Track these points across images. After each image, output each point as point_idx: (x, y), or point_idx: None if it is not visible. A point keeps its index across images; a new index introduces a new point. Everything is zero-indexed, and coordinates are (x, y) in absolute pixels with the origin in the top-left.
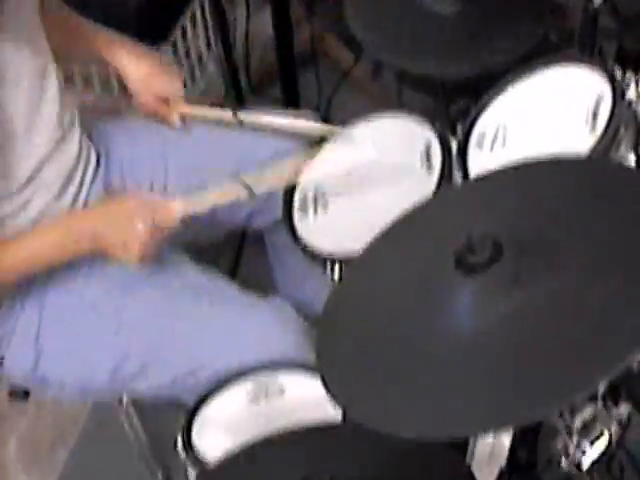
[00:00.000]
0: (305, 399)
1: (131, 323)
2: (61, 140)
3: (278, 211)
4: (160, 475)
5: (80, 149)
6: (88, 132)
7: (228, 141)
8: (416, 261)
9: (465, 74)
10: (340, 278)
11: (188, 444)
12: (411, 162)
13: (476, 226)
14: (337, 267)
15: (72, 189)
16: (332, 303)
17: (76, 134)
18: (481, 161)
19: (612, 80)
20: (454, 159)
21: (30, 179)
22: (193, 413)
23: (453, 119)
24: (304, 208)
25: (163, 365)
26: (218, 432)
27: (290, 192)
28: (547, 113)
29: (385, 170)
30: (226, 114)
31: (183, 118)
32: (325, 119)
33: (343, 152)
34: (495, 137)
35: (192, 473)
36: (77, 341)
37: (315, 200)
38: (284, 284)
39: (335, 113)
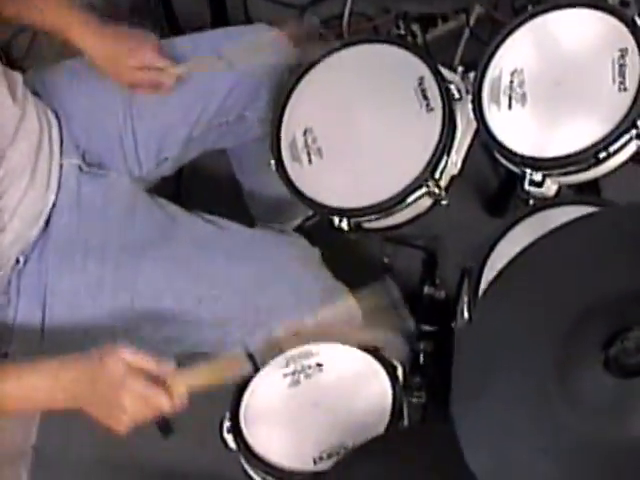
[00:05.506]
0: (344, 370)
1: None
2: (21, 118)
3: (249, 134)
4: None
5: (39, 118)
6: (32, 88)
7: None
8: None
9: None
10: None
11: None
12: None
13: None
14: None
15: (43, 164)
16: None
17: (31, 104)
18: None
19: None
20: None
21: None
22: (237, 407)
23: None
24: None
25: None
26: (265, 425)
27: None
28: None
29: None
30: (218, 62)
31: (179, 79)
32: None
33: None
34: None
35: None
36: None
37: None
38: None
39: None
